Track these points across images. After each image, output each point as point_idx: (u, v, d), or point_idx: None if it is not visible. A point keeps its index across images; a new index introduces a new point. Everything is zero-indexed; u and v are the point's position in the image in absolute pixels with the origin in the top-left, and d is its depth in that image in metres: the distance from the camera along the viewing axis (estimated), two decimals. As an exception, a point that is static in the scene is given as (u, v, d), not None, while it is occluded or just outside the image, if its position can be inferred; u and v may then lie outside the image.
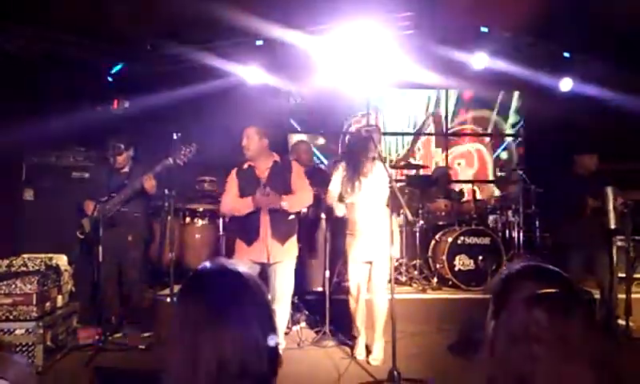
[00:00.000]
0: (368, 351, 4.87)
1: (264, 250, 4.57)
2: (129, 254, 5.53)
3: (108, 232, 5.19)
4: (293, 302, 5.75)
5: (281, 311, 4.65)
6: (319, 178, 6.01)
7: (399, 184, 5.28)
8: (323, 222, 6.18)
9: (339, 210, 4.86)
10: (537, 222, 7.33)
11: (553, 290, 1.28)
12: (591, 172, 5.70)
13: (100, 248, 5.09)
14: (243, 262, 1.35)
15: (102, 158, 5.66)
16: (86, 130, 6.43)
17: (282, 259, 4.63)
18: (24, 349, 4.31)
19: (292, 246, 4.75)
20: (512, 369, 1.23)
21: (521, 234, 7.14)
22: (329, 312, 5.36)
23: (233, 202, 4.75)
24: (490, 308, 1.41)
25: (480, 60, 7.68)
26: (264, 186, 4.54)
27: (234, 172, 4.83)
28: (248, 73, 7.55)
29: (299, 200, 4.75)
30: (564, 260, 5.55)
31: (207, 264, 1.29)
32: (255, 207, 4.57)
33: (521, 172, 7.28)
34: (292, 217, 4.75)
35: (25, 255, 4.76)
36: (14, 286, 4.41)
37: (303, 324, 5.78)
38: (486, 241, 6.70)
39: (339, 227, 5.16)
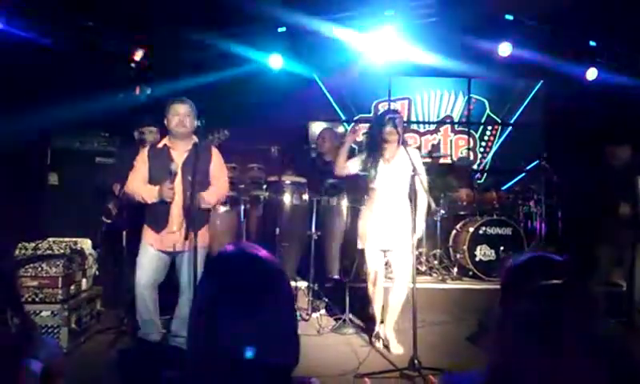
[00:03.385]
0: (387, 339, 4.88)
1: (172, 239, 4.34)
2: None
3: (135, 215, 5.10)
4: (313, 290, 5.79)
5: (184, 301, 4.45)
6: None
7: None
8: (343, 209, 6.19)
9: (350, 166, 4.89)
10: (559, 213, 7.25)
11: (556, 282, 1.28)
12: (624, 163, 5.60)
13: (125, 231, 5.12)
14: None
15: (130, 140, 5.68)
16: (110, 115, 6.50)
17: (199, 246, 4.21)
18: (49, 331, 4.39)
19: (201, 235, 4.35)
20: (514, 359, 1.24)
21: (543, 225, 7.06)
22: (349, 299, 5.38)
23: (139, 187, 4.41)
24: (498, 297, 1.42)
25: (504, 48, 7.60)
26: (173, 173, 4.26)
27: (145, 151, 4.53)
28: (271, 59, 7.55)
29: (215, 193, 4.49)
30: (592, 251, 5.48)
31: (230, 248, 1.27)
32: (160, 199, 4.30)
33: (544, 161, 7.19)
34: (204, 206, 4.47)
35: (50, 239, 4.83)
36: (40, 268, 4.49)
37: (323, 311, 5.79)
38: (508, 231, 6.65)
39: (360, 214, 5.14)
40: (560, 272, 1.34)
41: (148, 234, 4.46)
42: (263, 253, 1.26)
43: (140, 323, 4.49)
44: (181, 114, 4.38)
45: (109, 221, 5.43)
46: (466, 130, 9.50)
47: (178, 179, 4.35)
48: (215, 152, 4.60)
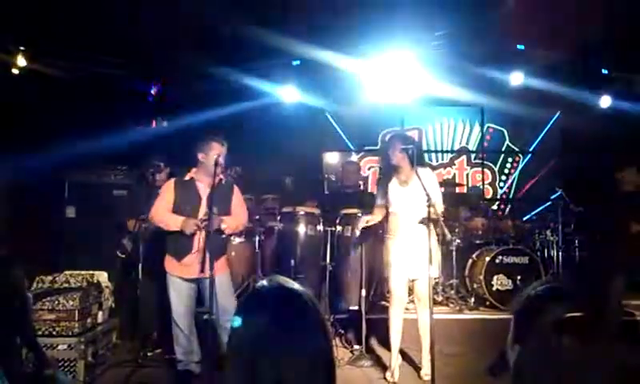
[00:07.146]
0: (421, 363, 4.84)
1: (197, 264, 4.25)
2: None
3: (149, 249, 5.25)
4: (328, 321, 5.74)
5: (227, 324, 4.36)
6: (364, 199, 6.03)
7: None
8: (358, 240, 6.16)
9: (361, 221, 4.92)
10: (576, 241, 7.18)
11: (579, 314, 1.26)
12: (637, 186, 5.57)
13: (140, 265, 5.16)
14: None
15: (141, 176, 5.74)
16: (127, 149, 6.57)
17: (220, 272, 4.43)
18: (66, 364, 4.38)
19: (222, 262, 4.59)
20: None
21: (560, 253, 6.99)
22: (365, 331, 5.33)
23: (164, 215, 4.50)
24: (511, 330, 1.38)
25: (517, 78, 7.64)
26: (210, 209, 4.30)
27: (172, 182, 4.64)
28: (285, 92, 7.64)
29: (234, 221, 4.62)
30: (606, 279, 5.41)
31: (265, 282, 1.29)
32: (181, 229, 4.37)
33: (560, 190, 7.16)
34: (224, 235, 4.61)
35: (67, 272, 4.85)
36: (56, 302, 4.49)
37: (339, 343, 5.73)
38: (525, 260, 6.57)
39: (375, 245, 5.12)
40: (580, 303, 1.31)
41: (170, 263, 4.54)
42: (296, 285, 1.28)
43: (179, 354, 4.54)
44: (221, 153, 4.53)
45: (123, 256, 5.48)
46: (481, 161, 9.45)
47: (203, 210, 4.47)
48: (236, 189, 4.79)
